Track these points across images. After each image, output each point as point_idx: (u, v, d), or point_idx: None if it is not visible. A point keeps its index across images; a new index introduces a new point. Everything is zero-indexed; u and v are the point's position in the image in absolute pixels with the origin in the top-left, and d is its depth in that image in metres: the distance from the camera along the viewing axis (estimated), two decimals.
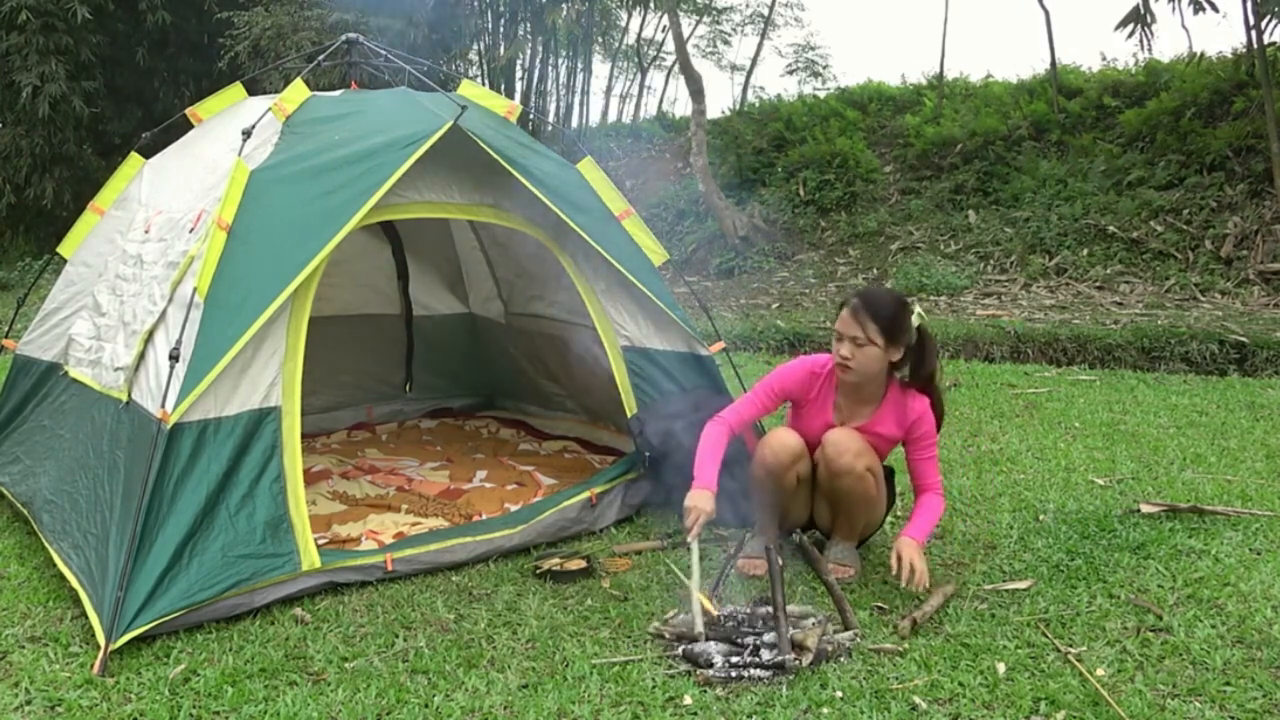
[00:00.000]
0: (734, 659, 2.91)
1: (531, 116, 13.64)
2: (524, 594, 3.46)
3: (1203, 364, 7.59)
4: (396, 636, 3.14)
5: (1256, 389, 6.65)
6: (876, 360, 3.43)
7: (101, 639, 2.96)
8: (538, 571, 3.61)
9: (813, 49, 18.76)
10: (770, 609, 3.06)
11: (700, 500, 3.31)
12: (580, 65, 16.68)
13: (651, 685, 2.83)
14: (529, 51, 15.49)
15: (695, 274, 12.23)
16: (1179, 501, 4.22)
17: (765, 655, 2.91)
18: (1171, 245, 10.17)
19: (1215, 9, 10.36)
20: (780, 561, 3.16)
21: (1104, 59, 14.69)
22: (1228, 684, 2.80)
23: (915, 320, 3.46)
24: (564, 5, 14.78)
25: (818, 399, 3.62)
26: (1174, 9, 10.47)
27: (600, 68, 18.15)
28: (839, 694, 2.76)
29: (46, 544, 3.61)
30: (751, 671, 2.86)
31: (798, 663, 2.88)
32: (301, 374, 3.45)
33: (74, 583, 3.29)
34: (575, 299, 4.33)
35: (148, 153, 4.55)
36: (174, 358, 3.24)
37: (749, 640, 2.98)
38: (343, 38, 4.41)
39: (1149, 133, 11.42)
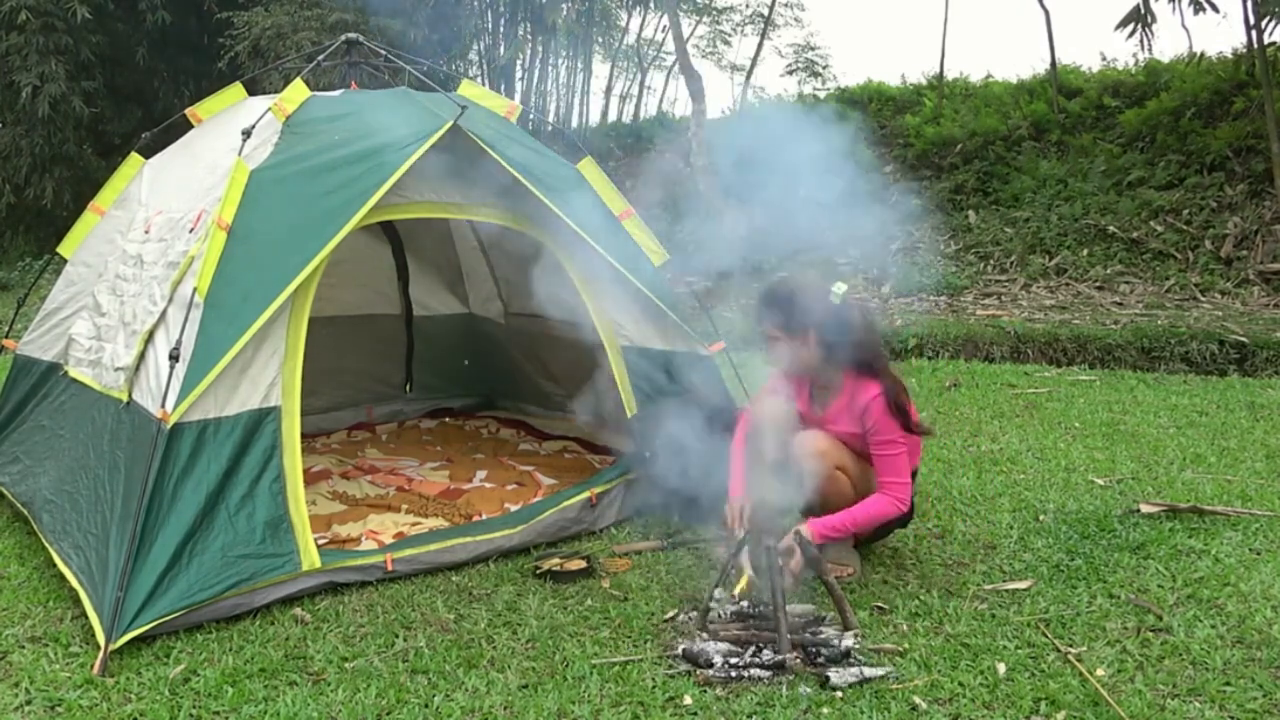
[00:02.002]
0: (734, 659, 2.91)
1: (531, 116, 13.63)
2: (524, 594, 3.46)
3: (1203, 364, 7.58)
4: (396, 636, 3.14)
5: (1256, 389, 6.64)
6: (789, 353, 3.43)
7: (101, 639, 2.96)
8: (538, 571, 3.61)
9: (813, 49, 18.73)
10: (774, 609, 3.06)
11: (734, 501, 3.50)
12: (580, 65, 16.70)
13: (651, 685, 2.83)
14: (529, 51, 15.49)
15: (695, 274, 12.21)
16: (1179, 501, 4.22)
17: (765, 655, 2.91)
18: (1171, 245, 10.17)
19: (1215, 9, 10.35)
20: (779, 562, 3.16)
21: (1104, 59, 14.66)
22: (1228, 684, 2.80)
23: (836, 299, 3.37)
24: (564, 5, 14.78)
25: (798, 385, 3.65)
26: (1174, 9, 10.47)
27: (600, 68, 18.10)
28: (839, 694, 2.77)
29: (46, 544, 3.61)
30: (751, 671, 2.86)
31: (798, 662, 2.88)
32: (301, 374, 3.46)
33: (74, 583, 3.29)
34: (575, 299, 4.33)
35: (148, 153, 4.55)
36: (174, 358, 3.24)
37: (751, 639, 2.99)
38: (343, 38, 4.41)
39: (1149, 133, 11.41)
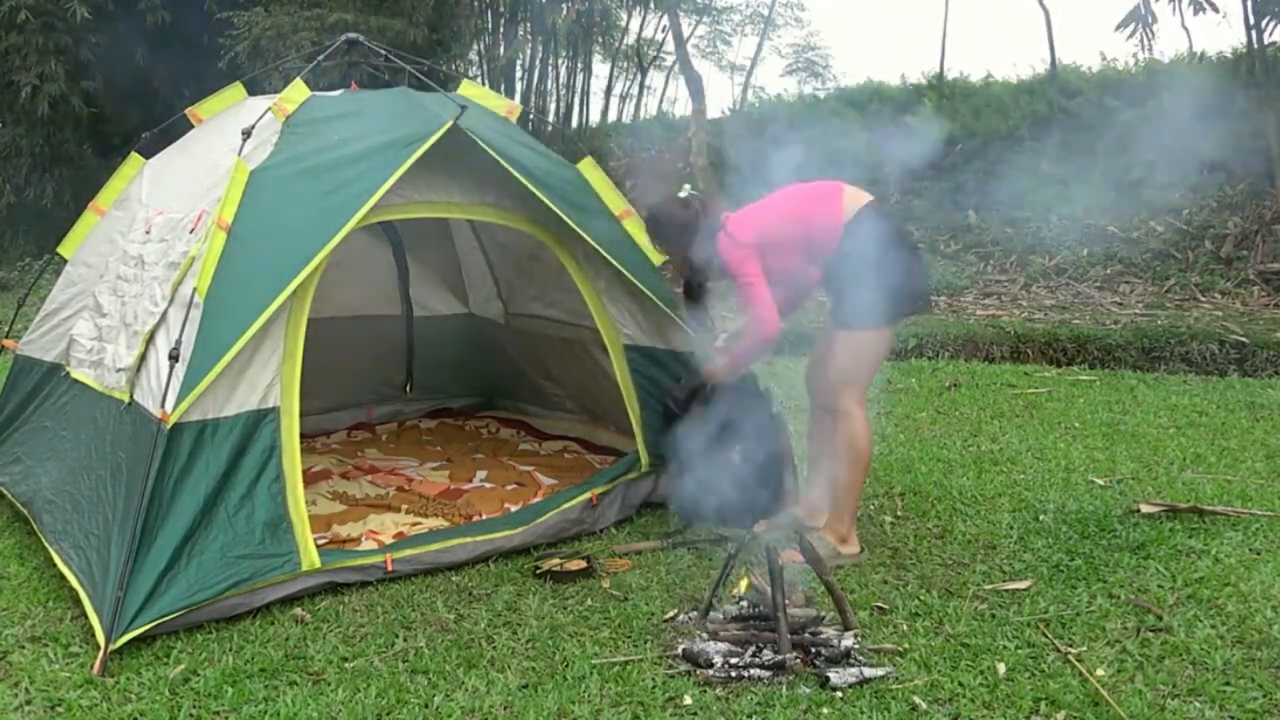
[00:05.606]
0: (734, 659, 2.91)
1: (531, 116, 13.62)
2: (524, 594, 3.46)
3: (1203, 364, 7.59)
4: (396, 636, 3.14)
5: (1256, 389, 6.64)
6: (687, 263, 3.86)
7: (101, 639, 2.97)
8: (538, 572, 3.61)
9: (813, 49, 18.71)
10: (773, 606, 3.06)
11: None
12: (580, 65, 16.66)
13: (651, 685, 2.83)
14: (529, 51, 15.48)
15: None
16: (1179, 501, 4.22)
17: (765, 655, 2.91)
18: (1171, 245, 10.17)
19: (1215, 9, 10.36)
20: (780, 562, 3.16)
21: (1104, 59, 14.61)
22: (1228, 684, 2.80)
23: (684, 194, 3.85)
24: (564, 5, 14.77)
25: None
26: (1174, 9, 10.48)
27: (600, 68, 18.03)
28: (839, 694, 2.77)
29: (46, 544, 3.61)
30: (751, 671, 2.86)
31: (798, 662, 2.88)
32: (301, 374, 3.45)
33: (74, 583, 3.29)
34: (575, 299, 4.34)
35: (148, 153, 4.54)
36: (173, 358, 3.24)
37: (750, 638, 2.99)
38: (343, 38, 4.41)
39: (1149, 133, 11.40)
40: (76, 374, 3.97)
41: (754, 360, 3.98)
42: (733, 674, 2.86)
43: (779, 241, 3.72)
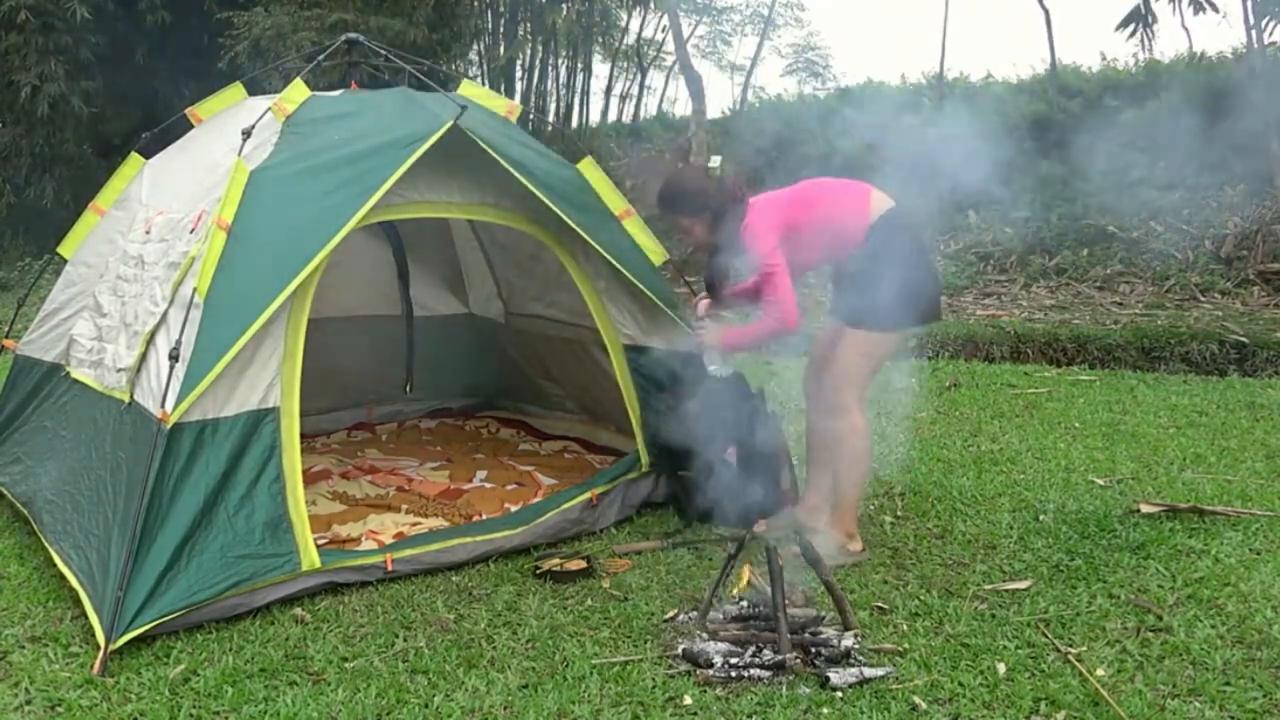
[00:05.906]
0: (734, 659, 2.91)
1: (531, 116, 13.62)
2: (524, 594, 3.46)
3: (1203, 364, 7.59)
4: (396, 636, 3.14)
5: (1256, 389, 6.64)
6: (703, 234, 3.85)
7: (101, 639, 2.97)
8: (538, 572, 3.61)
9: (813, 49, 18.74)
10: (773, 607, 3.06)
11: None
12: (580, 65, 16.66)
13: (651, 685, 2.83)
14: (529, 51, 15.48)
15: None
16: (1179, 501, 4.22)
17: (765, 655, 2.91)
18: (1171, 245, 10.17)
19: (1215, 9, 10.38)
20: (780, 562, 3.16)
21: (1104, 59, 14.64)
22: (1228, 684, 2.80)
23: (714, 172, 3.68)
24: (564, 5, 14.77)
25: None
26: (1174, 9, 10.50)
27: (600, 68, 18.05)
28: (839, 694, 2.77)
29: (46, 544, 3.61)
30: (751, 671, 2.86)
31: (798, 662, 2.88)
32: (301, 374, 3.45)
33: (74, 583, 3.29)
34: (575, 299, 4.34)
35: (148, 153, 4.54)
36: (174, 358, 3.24)
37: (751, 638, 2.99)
38: (343, 38, 4.40)
39: (1149, 133, 11.40)
40: (76, 374, 3.97)
41: (764, 344, 4.04)
42: (733, 674, 2.86)
43: (802, 233, 3.72)
